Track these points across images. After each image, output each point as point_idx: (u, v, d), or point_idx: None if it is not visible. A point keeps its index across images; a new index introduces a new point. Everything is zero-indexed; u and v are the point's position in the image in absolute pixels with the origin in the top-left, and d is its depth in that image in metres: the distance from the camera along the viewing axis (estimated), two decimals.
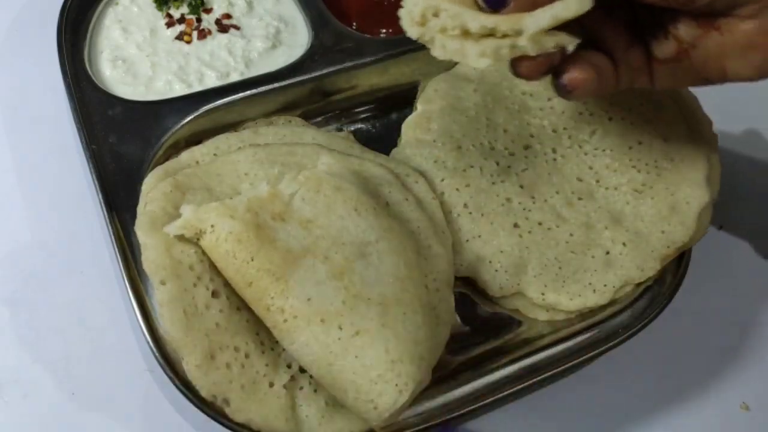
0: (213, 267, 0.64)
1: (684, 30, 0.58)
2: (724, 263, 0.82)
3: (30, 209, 0.80)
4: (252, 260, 0.61)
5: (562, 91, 0.59)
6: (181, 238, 0.63)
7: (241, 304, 0.64)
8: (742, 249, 0.83)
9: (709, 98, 0.76)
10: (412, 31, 0.57)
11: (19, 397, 0.70)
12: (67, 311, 0.74)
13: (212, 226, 0.62)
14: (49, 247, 0.78)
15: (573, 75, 0.58)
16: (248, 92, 0.78)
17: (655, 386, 0.76)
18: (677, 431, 0.74)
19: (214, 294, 0.63)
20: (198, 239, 0.63)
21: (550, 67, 0.57)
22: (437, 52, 0.56)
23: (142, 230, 0.64)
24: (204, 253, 0.64)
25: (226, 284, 0.64)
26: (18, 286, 0.75)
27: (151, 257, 0.62)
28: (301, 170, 0.69)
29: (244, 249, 0.61)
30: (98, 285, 0.75)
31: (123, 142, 0.74)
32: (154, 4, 0.86)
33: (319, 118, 0.83)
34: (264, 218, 0.63)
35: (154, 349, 0.64)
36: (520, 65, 0.56)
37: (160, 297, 0.61)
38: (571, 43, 0.55)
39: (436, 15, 0.55)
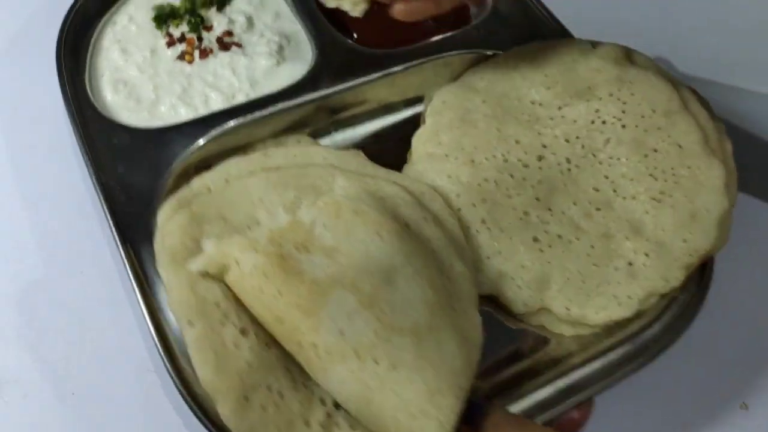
0: (239, 303, 0.61)
1: None
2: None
3: (33, 219, 0.78)
4: (280, 295, 0.59)
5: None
6: (204, 274, 0.61)
7: (269, 340, 0.61)
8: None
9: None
10: None
11: (19, 397, 0.68)
12: (67, 311, 0.72)
13: (236, 261, 0.60)
14: (50, 248, 0.76)
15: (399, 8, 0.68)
16: (256, 115, 0.75)
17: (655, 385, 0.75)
18: (677, 430, 0.73)
19: (243, 332, 0.60)
20: (222, 275, 0.61)
21: None
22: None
23: (164, 268, 0.62)
24: (229, 288, 0.62)
25: (253, 320, 0.61)
26: (18, 286, 0.74)
27: (176, 297, 0.60)
28: (316, 193, 0.67)
29: (271, 283, 0.59)
30: (98, 285, 0.74)
31: (132, 172, 0.71)
32: (152, 23, 0.83)
33: (328, 136, 0.80)
34: (288, 249, 0.61)
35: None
36: None
37: (188, 339, 0.58)
38: None
39: None
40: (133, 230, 0.69)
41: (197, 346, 0.58)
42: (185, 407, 0.62)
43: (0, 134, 0.82)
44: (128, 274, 0.66)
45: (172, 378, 0.62)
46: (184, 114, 0.78)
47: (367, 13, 0.87)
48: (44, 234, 0.77)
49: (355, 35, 0.86)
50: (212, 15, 0.84)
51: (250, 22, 0.85)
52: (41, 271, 0.75)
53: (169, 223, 0.65)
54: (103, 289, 0.73)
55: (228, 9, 0.85)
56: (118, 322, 0.72)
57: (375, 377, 0.58)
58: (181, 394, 0.61)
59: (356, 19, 0.86)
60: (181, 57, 0.81)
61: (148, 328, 0.64)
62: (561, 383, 0.67)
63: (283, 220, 0.63)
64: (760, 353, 0.77)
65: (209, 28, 0.84)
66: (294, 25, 0.85)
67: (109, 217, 0.69)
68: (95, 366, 0.70)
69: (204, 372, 0.58)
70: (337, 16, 0.86)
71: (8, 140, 0.82)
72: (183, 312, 0.59)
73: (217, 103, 0.79)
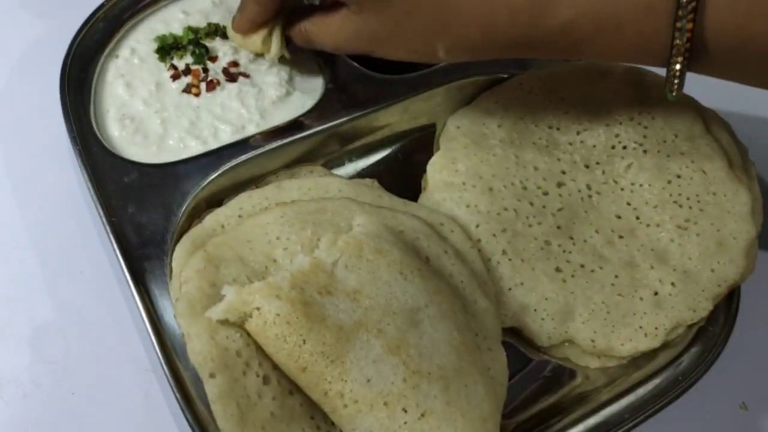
0: (260, 350, 0.59)
1: None
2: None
3: (33, 227, 0.77)
4: (304, 343, 0.56)
5: None
6: (224, 321, 0.59)
7: (292, 388, 0.59)
8: None
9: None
10: None
11: (19, 397, 0.67)
12: (66, 311, 0.71)
13: (258, 308, 0.57)
14: (49, 248, 0.75)
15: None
16: (267, 147, 0.73)
17: None
18: (677, 430, 0.72)
19: (265, 380, 0.58)
20: (242, 322, 0.59)
21: None
22: None
23: (183, 318, 0.59)
24: (249, 335, 0.59)
25: (275, 367, 0.59)
26: (17, 285, 0.73)
27: (197, 348, 0.57)
28: (334, 230, 0.64)
29: (295, 331, 0.56)
30: (98, 285, 0.73)
31: (143, 210, 0.69)
32: (156, 55, 0.80)
33: (341, 165, 0.78)
34: (311, 294, 0.58)
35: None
36: None
37: (210, 392, 0.55)
38: None
39: None
40: (145, 271, 0.67)
41: (220, 400, 0.55)
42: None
43: (4, 167, 0.80)
44: (141, 313, 0.65)
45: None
46: (193, 147, 0.75)
47: None
48: (44, 235, 0.76)
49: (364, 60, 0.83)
50: (217, 44, 0.81)
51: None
52: (40, 271, 0.74)
53: (185, 268, 0.62)
54: (103, 289, 0.72)
55: None
56: (118, 322, 0.71)
57: (404, 427, 0.56)
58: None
59: None
60: (187, 90, 0.78)
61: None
62: (591, 421, 0.65)
63: (304, 262, 0.60)
64: (759, 354, 0.76)
65: (214, 59, 0.80)
66: (303, 53, 0.82)
67: (121, 259, 0.67)
68: (94, 366, 0.69)
69: (227, 425, 0.55)
70: None
71: (10, 168, 0.80)
72: (204, 364, 0.56)
73: (227, 135, 0.76)
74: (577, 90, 0.77)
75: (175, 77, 0.79)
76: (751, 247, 0.70)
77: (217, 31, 0.82)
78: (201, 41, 0.80)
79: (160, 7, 0.84)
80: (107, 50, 0.80)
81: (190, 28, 0.81)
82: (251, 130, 0.76)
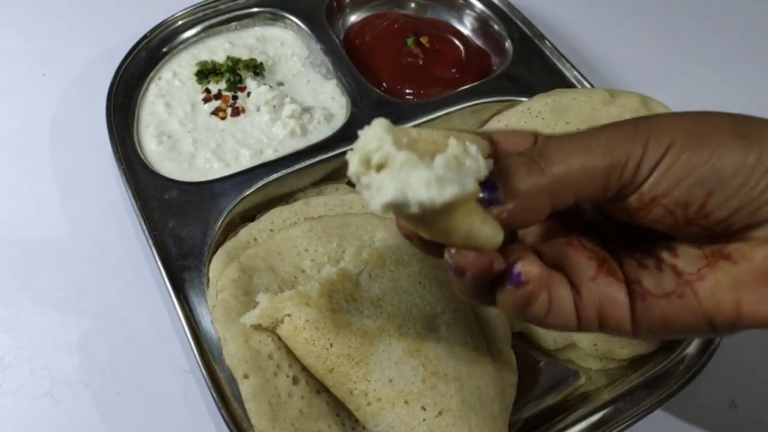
0: (290, 353, 0.60)
1: (686, 259, 0.43)
2: None
3: (82, 242, 0.78)
4: (331, 346, 0.58)
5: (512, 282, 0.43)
6: (257, 326, 0.60)
7: (320, 387, 0.61)
8: None
9: None
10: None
11: (69, 396, 0.69)
12: (112, 317, 0.73)
13: (289, 315, 0.59)
14: (96, 259, 0.77)
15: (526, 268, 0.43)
16: (296, 167, 0.75)
17: None
18: (672, 428, 0.72)
19: (295, 381, 0.59)
20: (274, 327, 0.60)
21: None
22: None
23: (219, 323, 0.60)
24: (280, 339, 0.60)
25: (304, 369, 0.60)
26: (67, 294, 0.74)
27: (232, 351, 0.59)
28: (358, 242, 0.66)
29: (323, 336, 0.58)
30: (141, 294, 0.75)
31: (182, 225, 0.71)
32: (194, 78, 0.82)
33: None
34: (338, 301, 0.60)
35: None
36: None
37: (244, 391, 0.57)
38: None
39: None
40: (184, 279, 0.69)
41: (253, 399, 0.57)
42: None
43: (54, 185, 0.82)
44: (181, 319, 0.66)
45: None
46: (217, 168, 0.77)
47: (395, 66, 0.86)
48: (92, 248, 0.78)
49: (384, 85, 0.85)
50: (249, 79, 0.83)
51: (284, 93, 0.83)
52: (88, 281, 0.75)
53: (221, 278, 0.64)
54: (145, 298, 0.74)
55: (265, 75, 0.85)
56: (160, 328, 0.73)
57: (423, 424, 0.57)
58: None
59: (386, 69, 0.86)
60: (215, 113, 0.80)
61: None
62: (594, 418, 0.66)
63: (332, 272, 0.62)
64: (747, 357, 0.77)
65: (243, 89, 0.82)
66: (323, 96, 0.84)
67: (162, 269, 0.69)
68: (137, 367, 0.71)
69: (260, 422, 0.57)
70: (368, 67, 0.85)
71: (61, 185, 0.82)
72: (239, 366, 0.58)
73: (246, 159, 0.77)
74: (581, 115, 0.78)
75: (206, 100, 0.81)
76: None
77: (256, 68, 0.84)
78: (238, 71, 0.82)
79: (207, 36, 0.87)
80: (151, 74, 0.83)
81: (230, 57, 0.83)
82: (269, 154, 0.78)
